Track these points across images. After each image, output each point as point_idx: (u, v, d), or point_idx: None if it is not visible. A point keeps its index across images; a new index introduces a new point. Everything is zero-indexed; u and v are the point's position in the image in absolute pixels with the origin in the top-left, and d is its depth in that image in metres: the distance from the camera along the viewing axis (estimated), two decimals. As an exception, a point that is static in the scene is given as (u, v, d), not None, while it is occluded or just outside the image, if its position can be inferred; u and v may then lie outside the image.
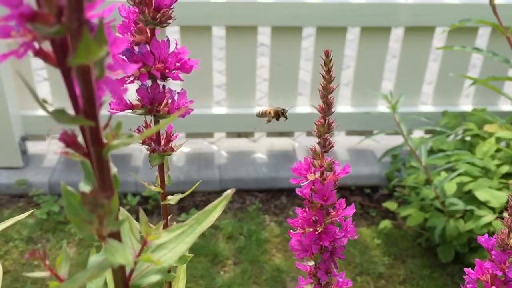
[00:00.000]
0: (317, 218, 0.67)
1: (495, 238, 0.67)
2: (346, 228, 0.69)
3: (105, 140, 0.37)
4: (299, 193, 0.68)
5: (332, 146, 0.66)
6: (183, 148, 2.50)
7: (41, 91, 2.81)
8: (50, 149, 2.51)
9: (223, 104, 2.66)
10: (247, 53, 2.37)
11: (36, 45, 0.34)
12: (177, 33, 2.28)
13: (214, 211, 0.51)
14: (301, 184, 0.66)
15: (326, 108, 0.65)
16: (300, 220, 0.68)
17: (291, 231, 0.70)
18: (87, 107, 0.35)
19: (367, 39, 2.39)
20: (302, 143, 2.66)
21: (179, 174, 2.39)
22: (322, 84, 0.65)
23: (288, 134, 2.66)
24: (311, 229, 0.67)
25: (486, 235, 0.68)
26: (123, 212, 0.52)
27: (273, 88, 2.48)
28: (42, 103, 0.36)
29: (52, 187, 2.31)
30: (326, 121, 0.66)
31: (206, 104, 2.44)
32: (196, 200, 2.35)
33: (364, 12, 2.29)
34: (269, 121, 1.20)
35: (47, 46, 0.35)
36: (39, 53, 0.35)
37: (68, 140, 0.38)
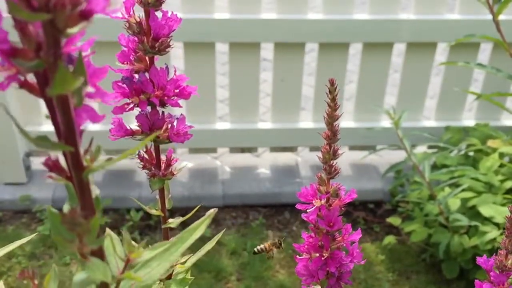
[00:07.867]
0: (323, 243, 0.67)
1: (494, 259, 0.67)
2: (353, 253, 0.68)
3: (85, 164, 0.39)
4: (305, 219, 0.68)
5: (338, 173, 0.66)
6: (186, 163, 2.50)
7: (44, 107, 2.82)
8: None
9: (226, 119, 2.66)
10: (250, 69, 2.38)
11: (22, 77, 0.37)
12: (180, 49, 2.30)
13: (197, 230, 0.53)
14: (307, 210, 0.66)
15: (332, 135, 0.66)
16: (306, 246, 0.68)
17: (297, 256, 0.69)
18: (67, 133, 0.37)
19: (370, 54, 2.40)
20: (305, 158, 2.66)
21: (182, 190, 2.39)
22: (328, 112, 0.65)
23: (291, 149, 2.67)
24: (317, 255, 0.67)
25: (485, 256, 0.68)
26: (107, 232, 0.54)
27: (276, 103, 2.49)
28: (29, 136, 0.38)
29: (56, 202, 2.31)
30: (332, 148, 0.66)
31: (209, 119, 2.45)
32: (199, 215, 2.33)
33: (366, 28, 2.30)
34: (270, 256, 1.15)
35: (32, 78, 0.38)
36: (24, 85, 0.38)
37: (52, 165, 0.41)
